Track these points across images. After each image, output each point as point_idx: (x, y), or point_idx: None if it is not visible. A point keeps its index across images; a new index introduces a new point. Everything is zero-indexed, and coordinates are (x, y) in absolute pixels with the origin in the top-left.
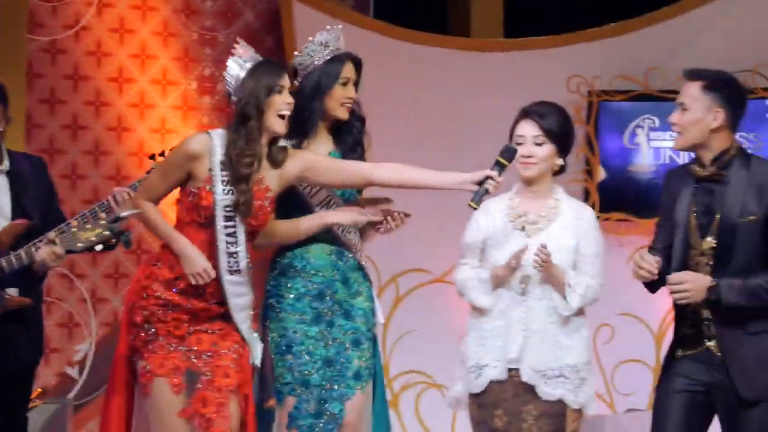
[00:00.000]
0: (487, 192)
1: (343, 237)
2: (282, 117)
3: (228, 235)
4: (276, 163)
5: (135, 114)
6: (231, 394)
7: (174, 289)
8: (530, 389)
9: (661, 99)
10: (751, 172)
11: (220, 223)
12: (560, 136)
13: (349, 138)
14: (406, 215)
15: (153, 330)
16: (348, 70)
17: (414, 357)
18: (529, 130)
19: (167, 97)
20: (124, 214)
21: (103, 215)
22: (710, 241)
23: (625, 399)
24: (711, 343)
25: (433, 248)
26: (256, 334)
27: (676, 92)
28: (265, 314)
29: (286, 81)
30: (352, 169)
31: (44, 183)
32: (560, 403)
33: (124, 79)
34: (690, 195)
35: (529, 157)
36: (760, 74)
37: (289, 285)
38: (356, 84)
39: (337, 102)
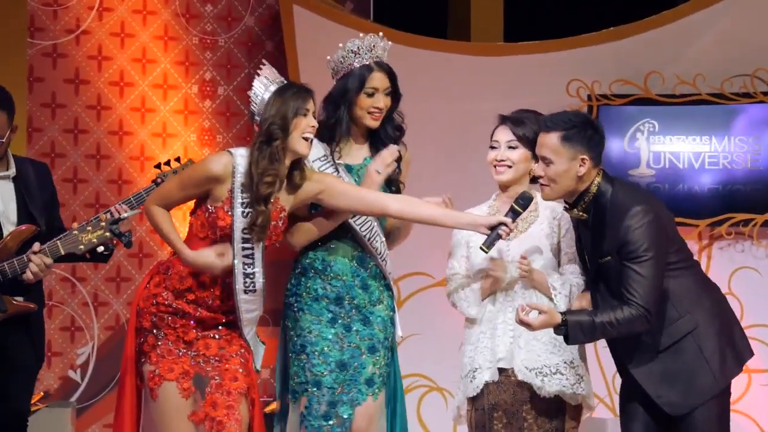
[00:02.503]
0: (499, 237)
1: (368, 243)
2: (306, 139)
3: (245, 256)
4: (293, 186)
5: (136, 118)
6: (241, 397)
7: (183, 300)
8: (527, 388)
9: (661, 103)
10: (606, 215)
11: (237, 245)
12: (534, 142)
13: (382, 146)
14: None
15: (162, 334)
16: (376, 80)
17: (416, 361)
18: (503, 135)
19: (168, 101)
20: (125, 215)
21: (105, 216)
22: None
23: None
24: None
25: (435, 252)
26: (259, 340)
27: (676, 96)
28: (284, 313)
29: (311, 105)
30: (368, 198)
31: (49, 189)
32: (559, 401)
33: (125, 83)
34: (575, 229)
35: (502, 161)
36: (758, 78)
37: (308, 285)
38: (392, 93)
39: (364, 110)
